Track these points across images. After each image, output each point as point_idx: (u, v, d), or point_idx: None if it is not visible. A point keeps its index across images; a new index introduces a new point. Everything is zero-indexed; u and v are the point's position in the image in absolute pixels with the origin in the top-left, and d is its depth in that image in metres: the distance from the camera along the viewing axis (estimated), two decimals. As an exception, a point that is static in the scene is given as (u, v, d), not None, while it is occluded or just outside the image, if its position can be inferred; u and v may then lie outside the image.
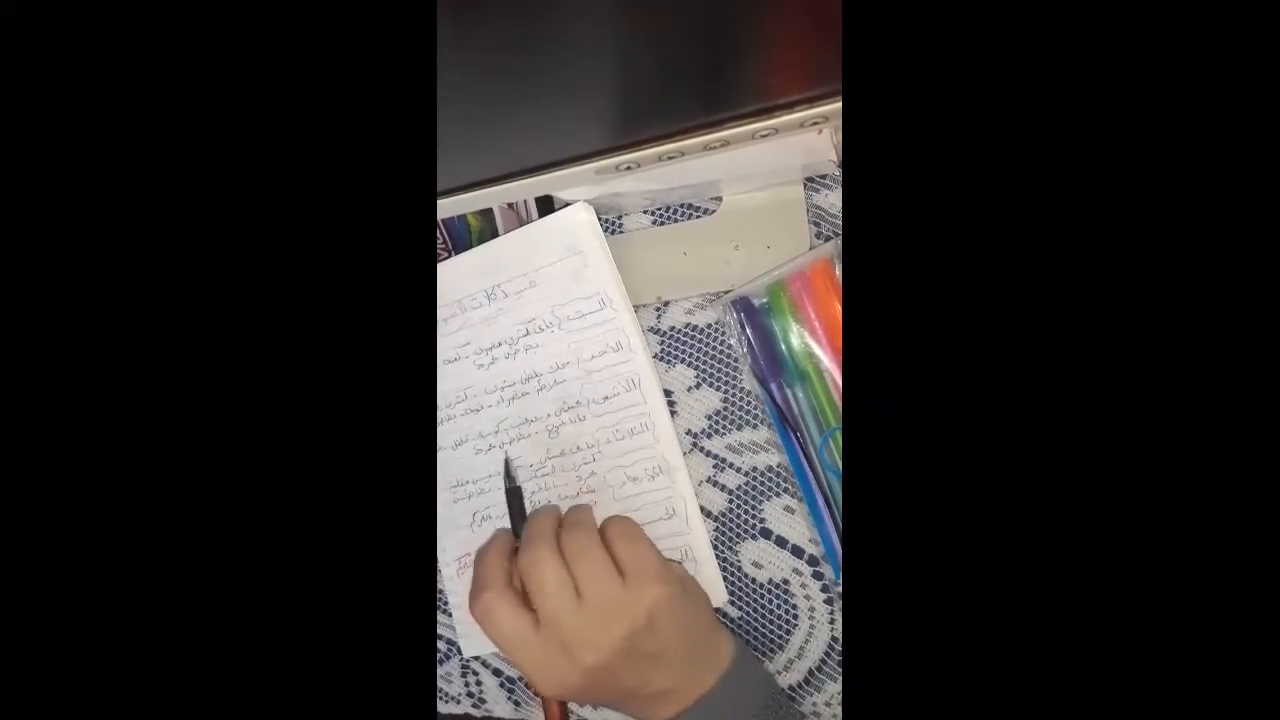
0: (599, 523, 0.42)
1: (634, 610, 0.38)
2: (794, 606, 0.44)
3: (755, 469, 0.44)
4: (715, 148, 0.34)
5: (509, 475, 0.44)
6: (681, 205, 0.45)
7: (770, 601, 0.44)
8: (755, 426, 0.44)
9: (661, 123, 0.33)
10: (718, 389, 0.45)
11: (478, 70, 0.28)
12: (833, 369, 0.41)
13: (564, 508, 0.44)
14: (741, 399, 0.44)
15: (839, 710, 0.43)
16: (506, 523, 0.46)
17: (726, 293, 0.43)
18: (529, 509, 0.44)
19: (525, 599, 0.39)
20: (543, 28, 0.26)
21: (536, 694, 0.44)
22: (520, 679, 0.49)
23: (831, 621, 0.43)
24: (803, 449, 0.42)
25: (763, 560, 0.44)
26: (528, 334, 0.45)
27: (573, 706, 0.46)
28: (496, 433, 0.46)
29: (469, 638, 0.48)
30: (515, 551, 0.41)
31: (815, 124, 0.33)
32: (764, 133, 0.33)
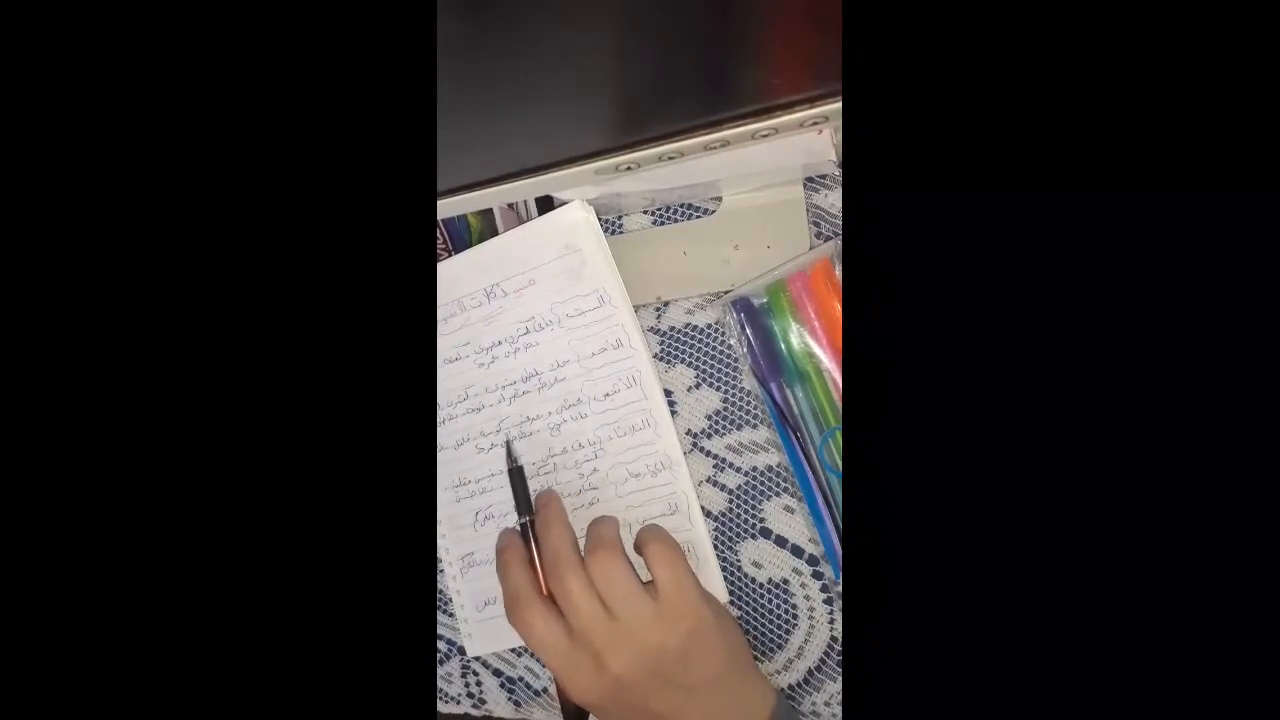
0: (622, 521, 0.42)
1: (665, 633, 0.38)
2: (794, 606, 0.44)
3: (755, 469, 0.44)
4: (715, 148, 0.34)
5: (510, 456, 0.44)
6: (681, 205, 0.45)
7: (770, 601, 0.44)
8: (755, 426, 0.44)
9: (661, 123, 0.33)
10: (718, 389, 0.45)
11: (478, 70, 0.28)
12: (833, 369, 0.41)
13: (566, 505, 0.44)
14: (741, 399, 0.44)
15: (839, 710, 0.43)
16: (508, 522, 0.46)
17: (726, 293, 0.43)
18: (533, 498, 0.44)
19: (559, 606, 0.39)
20: (543, 28, 0.26)
21: (565, 700, 0.43)
22: (520, 679, 0.49)
23: (831, 621, 0.43)
24: (803, 449, 0.42)
25: (762, 560, 0.44)
26: (528, 332, 0.45)
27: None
28: (498, 432, 0.46)
29: (473, 638, 0.48)
30: (530, 554, 0.41)
31: (815, 124, 0.33)
32: (764, 133, 0.33)
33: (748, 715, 0.39)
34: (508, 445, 0.45)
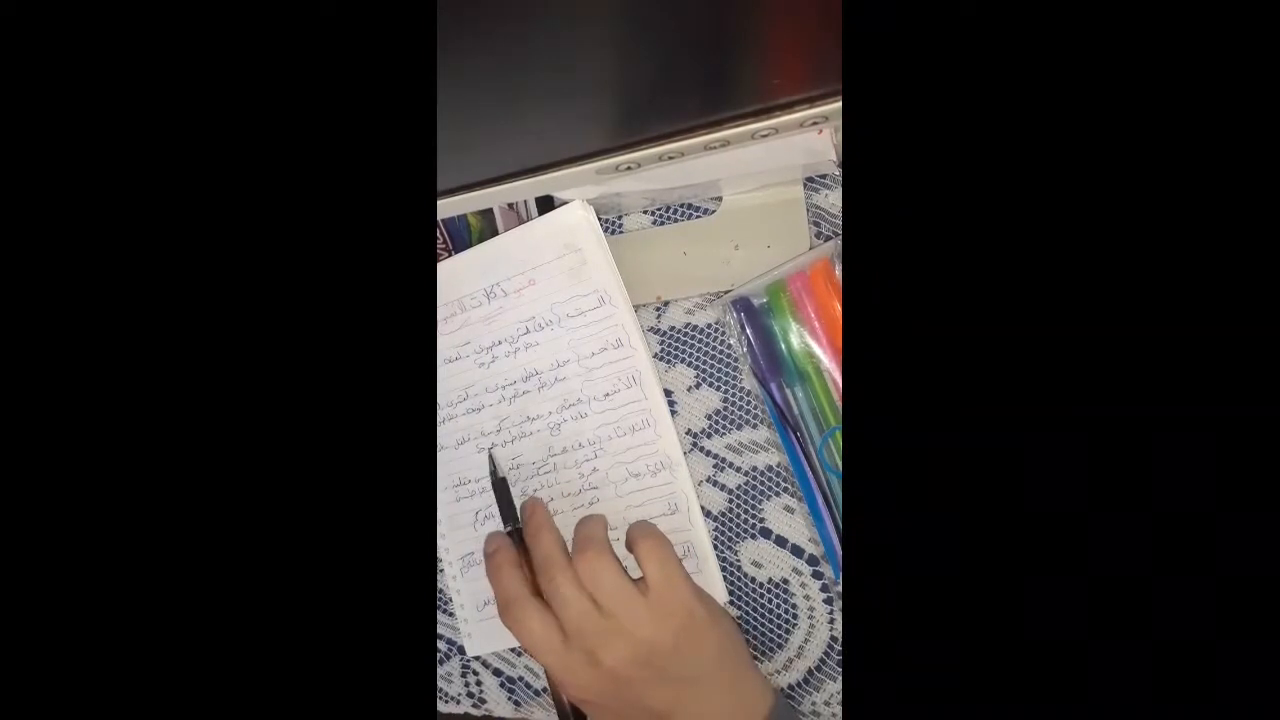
0: (613, 520, 0.42)
1: (656, 627, 0.38)
2: (793, 606, 0.44)
3: (755, 469, 0.44)
4: (715, 148, 0.34)
5: (494, 467, 0.44)
6: (681, 205, 0.45)
7: (770, 601, 0.44)
8: (755, 426, 0.44)
9: (661, 123, 0.33)
10: (718, 389, 0.45)
11: (478, 71, 0.28)
12: (833, 369, 0.41)
13: (566, 505, 0.45)
14: (741, 399, 0.44)
15: (838, 710, 0.43)
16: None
17: (726, 293, 0.43)
18: (520, 501, 0.44)
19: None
20: (543, 28, 0.26)
21: (559, 700, 0.44)
22: (520, 679, 0.49)
23: (831, 621, 0.43)
24: (802, 449, 0.42)
25: (762, 560, 0.44)
26: (528, 332, 0.45)
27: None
28: (498, 431, 0.46)
29: (472, 638, 0.48)
30: (519, 555, 0.41)
31: (815, 124, 0.33)
32: (764, 133, 0.33)
33: (746, 712, 0.39)
34: (490, 456, 0.45)
